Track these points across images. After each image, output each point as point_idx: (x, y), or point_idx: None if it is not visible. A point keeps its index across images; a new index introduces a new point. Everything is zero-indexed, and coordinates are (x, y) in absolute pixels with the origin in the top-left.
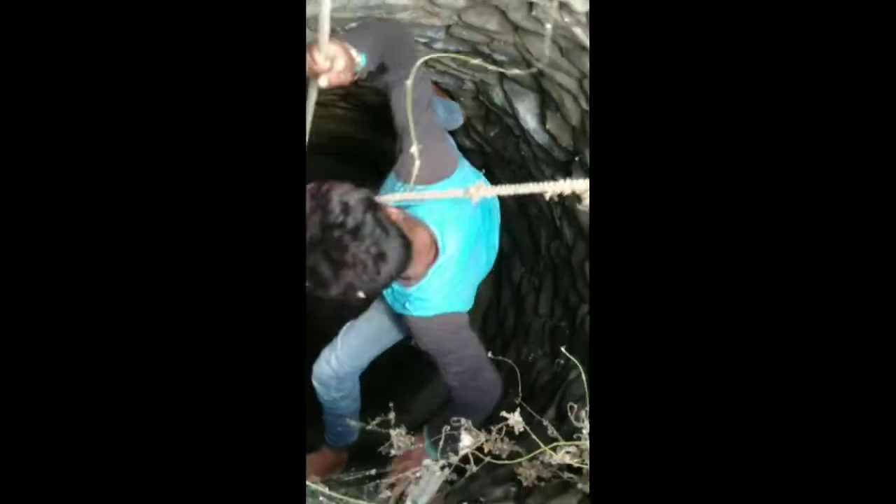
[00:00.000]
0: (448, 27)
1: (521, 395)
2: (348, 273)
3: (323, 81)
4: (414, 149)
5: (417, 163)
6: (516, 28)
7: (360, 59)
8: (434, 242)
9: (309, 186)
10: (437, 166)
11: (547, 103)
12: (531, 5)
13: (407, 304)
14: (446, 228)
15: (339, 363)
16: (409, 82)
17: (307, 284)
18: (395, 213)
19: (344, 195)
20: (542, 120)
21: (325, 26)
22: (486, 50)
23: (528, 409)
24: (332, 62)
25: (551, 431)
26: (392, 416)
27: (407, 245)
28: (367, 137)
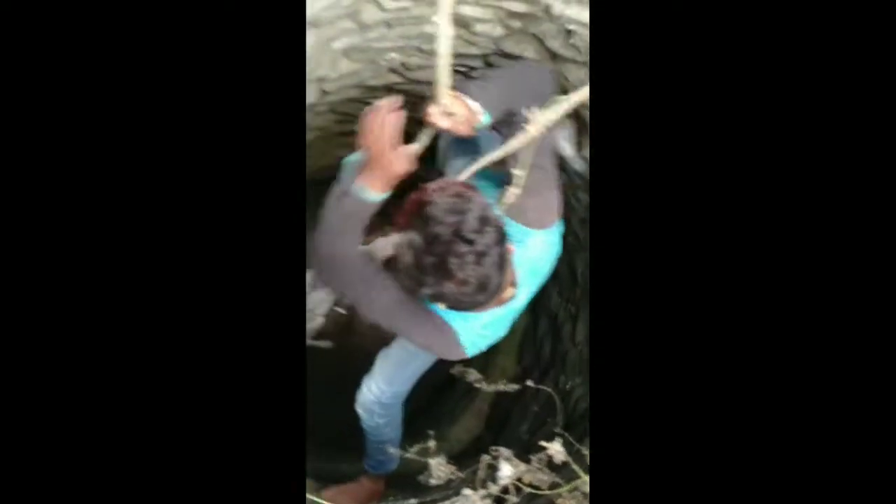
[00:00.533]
0: (485, 56)
1: (560, 424)
2: (448, 285)
3: (444, 123)
4: (516, 191)
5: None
6: (554, 56)
7: (483, 118)
8: (512, 287)
9: (450, 181)
10: (545, 213)
11: (583, 130)
12: (569, 33)
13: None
14: (527, 280)
15: (380, 389)
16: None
17: (398, 262)
18: (511, 250)
19: (485, 210)
20: (579, 147)
21: (443, 77)
22: None
23: (569, 437)
24: (452, 113)
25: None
26: (432, 444)
27: (504, 285)
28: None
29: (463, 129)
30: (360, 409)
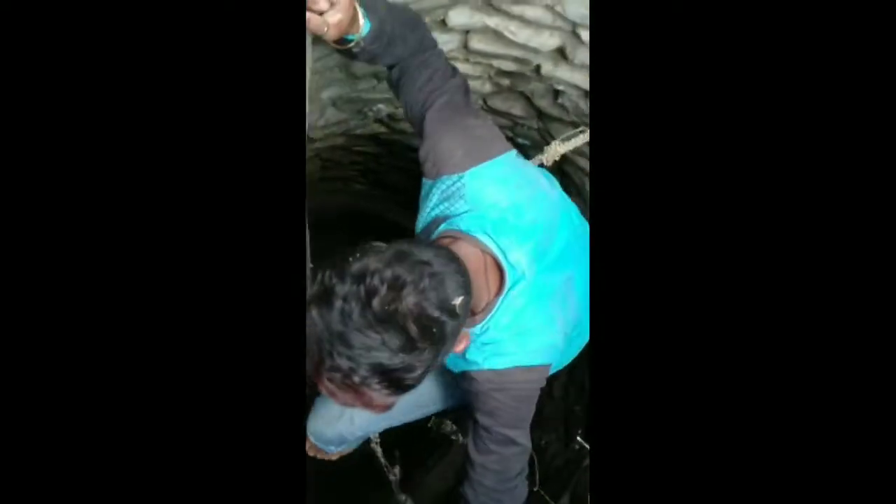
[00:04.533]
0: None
1: (536, 483)
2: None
3: (322, 25)
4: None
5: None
6: (540, 114)
7: (364, 25)
8: (493, 260)
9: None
10: (475, 145)
11: (567, 186)
12: (557, 93)
13: (468, 354)
14: (504, 238)
15: (353, 426)
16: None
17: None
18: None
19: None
20: None
21: None
22: (509, 134)
23: (544, 495)
24: (331, 6)
25: None
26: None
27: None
28: (382, 213)
29: (336, 31)
30: (312, 438)
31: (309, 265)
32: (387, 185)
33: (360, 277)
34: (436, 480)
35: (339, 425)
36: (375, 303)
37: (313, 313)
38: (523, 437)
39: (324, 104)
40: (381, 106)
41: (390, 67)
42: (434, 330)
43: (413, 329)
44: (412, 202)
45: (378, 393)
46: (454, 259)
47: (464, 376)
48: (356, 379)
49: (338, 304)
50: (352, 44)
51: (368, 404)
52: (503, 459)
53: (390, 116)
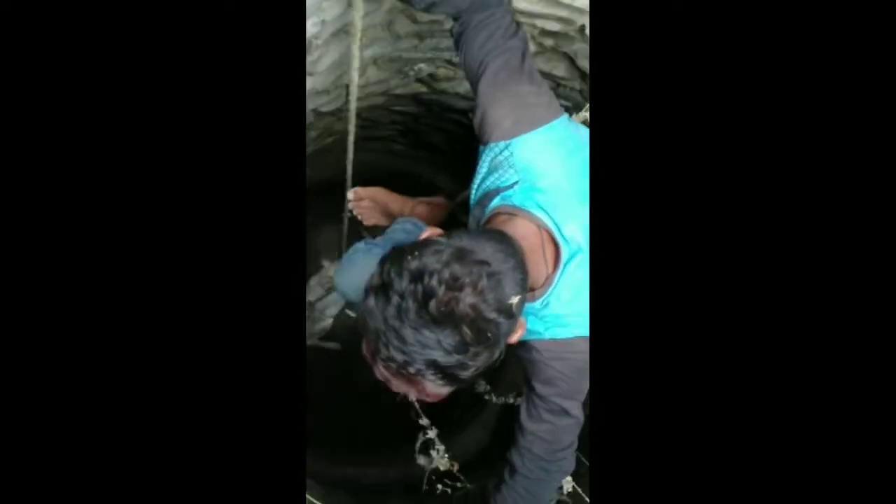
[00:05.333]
0: None
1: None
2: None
3: None
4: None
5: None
6: (583, 75)
7: None
8: (549, 235)
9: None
10: (525, 113)
11: None
12: None
13: (529, 324)
14: (558, 211)
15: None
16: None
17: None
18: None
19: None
20: None
21: None
22: None
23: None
24: None
25: None
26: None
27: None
28: (422, 174)
29: None
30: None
31: (347, 214)
32: (427, 145)
33: (418, 276)
34: (469, 440)
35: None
36: (432, 304)
37: (370, 303)
38: (577, 409)
39: (365, 63)
40: (422, 65)
41: (455, 20)
42: (489, 333)
43: (468, 333)
44: (452, 163)
45: (433, 384)
46: (513, 254)
47: (523, 345)
48: (411, 370)
49: (395, 299)
50: None
51: (423, 392)
52: (555, 430)
53: (431, 76)
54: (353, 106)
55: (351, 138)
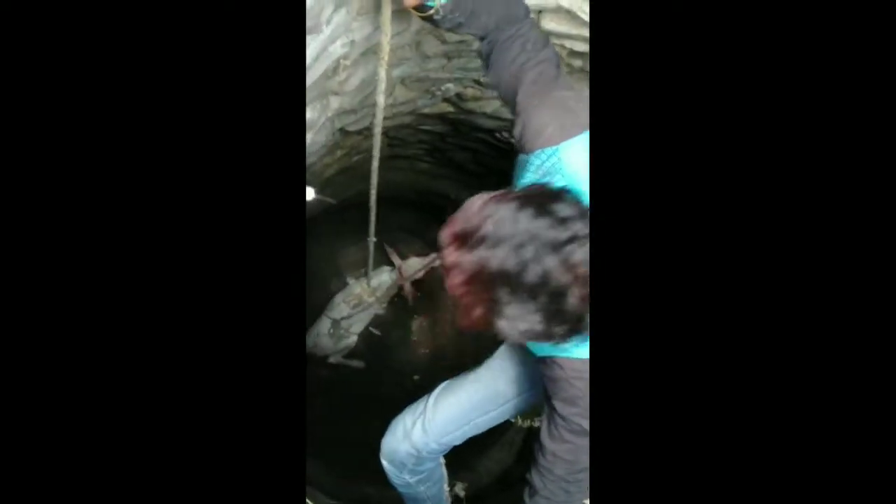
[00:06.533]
0: None
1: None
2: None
3: None
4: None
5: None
6: None
7: None
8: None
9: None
10: (568, 118)
11: None
12: None
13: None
14: None
15: (426, 436)
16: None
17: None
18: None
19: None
20: None
21: None
22: None
23: None
24: None
25: None
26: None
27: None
28: (448, 192)
29: None
30: (385, 462)
31: (372, 238)
32: (453, 164)
33: (562, 221)
34: (492, 461)
35: (405, 443)
36: (559, 252)
37: (530, 214)
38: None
39: (393, 83)
40: (449, 85)
41: (481, 39)
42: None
43: (571, 295)
44: (477, 182)
45: (503, 310)
46: None
47: (547, 361)
48: (506, 290)
49: (536, 224)
50: (431, 10)
51: (470, 311)
52: (576, 449)
53: (458, 96)
54: (377, 130)
55: (375, 164)
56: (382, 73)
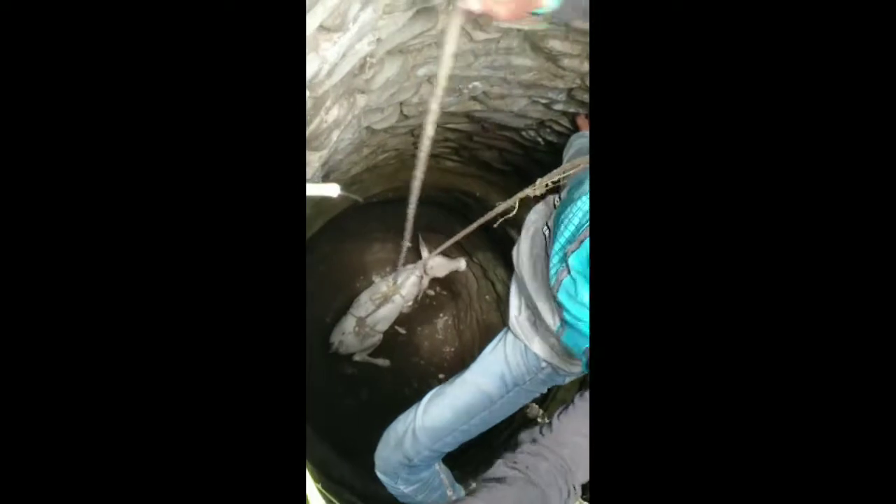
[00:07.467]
0: (570, 90)
1: None
2: None
3: (475, 4)
4: None
5: None
6: None
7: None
8: None
9: None
10: None
11: None
12: None
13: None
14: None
15: (417, 444)
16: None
17: None
18: None
19: None
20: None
21: None
22: None
23: None
24: None
25: None
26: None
27: None
28: (475, 190)
29: (520, 10)
30: (380, 473)
31: (407, 244)
32: (479, 162)
33: None
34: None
35: (396, 452)
36: None
37: None
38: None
39: (419, 81)
40: (476, 84)
41: None
42: None
43: None
44: (503, 181)
45: None
46: None
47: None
48: None
49: None
50: (543, 17)
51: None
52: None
53: (485, 94)
54: (423, 155)
55: (417, 183)
56: (435, 106)
